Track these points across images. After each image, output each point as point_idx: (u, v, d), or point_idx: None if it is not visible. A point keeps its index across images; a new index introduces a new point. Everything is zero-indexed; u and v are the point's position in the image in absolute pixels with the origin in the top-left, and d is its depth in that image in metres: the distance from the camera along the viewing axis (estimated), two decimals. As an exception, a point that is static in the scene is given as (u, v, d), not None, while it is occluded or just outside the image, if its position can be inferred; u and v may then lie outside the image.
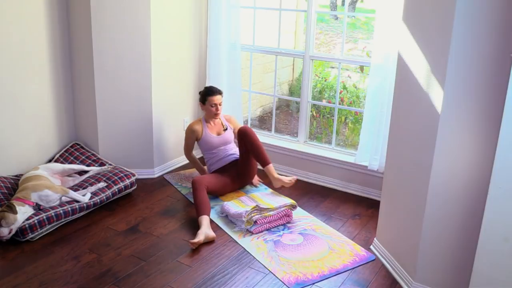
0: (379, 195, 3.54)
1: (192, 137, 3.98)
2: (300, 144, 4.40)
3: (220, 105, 3.90)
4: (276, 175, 3.74)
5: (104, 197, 3.58)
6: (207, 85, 4.54)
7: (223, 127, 4.01)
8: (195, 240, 3.12)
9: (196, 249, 3.12)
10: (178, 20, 4.19)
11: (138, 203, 3.76)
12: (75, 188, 3.64)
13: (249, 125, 4.80)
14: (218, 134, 3.98)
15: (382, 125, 3.71)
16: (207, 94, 3.89)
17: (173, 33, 4.14)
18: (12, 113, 3.65)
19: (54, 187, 3.38)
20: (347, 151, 4.22)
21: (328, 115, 5.97)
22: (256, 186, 4.03)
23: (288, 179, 3.74)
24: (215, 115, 3.91)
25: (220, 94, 3.91)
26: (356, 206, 3.78)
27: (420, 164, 2.60)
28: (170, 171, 4.37)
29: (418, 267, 2.70)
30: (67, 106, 4.09)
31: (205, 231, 3.21)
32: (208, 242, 3.21)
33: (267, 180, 3.95)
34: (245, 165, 3.88)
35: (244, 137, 3.78)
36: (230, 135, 4.03)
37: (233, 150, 4.02)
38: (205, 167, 4.15)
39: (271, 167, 3.76)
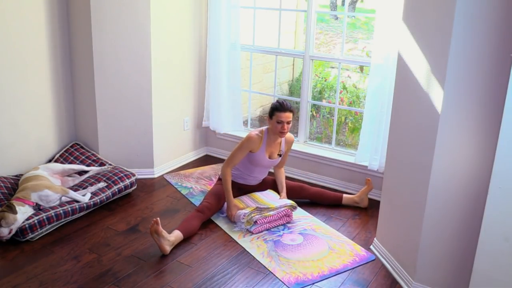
0: (379, 195, 3.54)
1: (248, 147, 3.47)
2: (300, 144, 4.40)
3: (288, 123, 3.44)
4: (356, 196, 3.75)
5: (104, 197, 3.58)
6: (207, 84, 4.55)
7: (279, 152, 3.63)
8: (164, 235, 2.99)
9: (196, 249, 3.13)
10: (178, 20, 4.19)
11: (138, 203, 3.76)
12: (75, 188, 3.64)
13: (249, 126, 4.79)
14: (270, 157, 3.58)
15: (382, 125, 3.71)
16: (276, 109, 3.44)
17: (173, 33, 4.14)
18: (12, 113, 3.65)
19: (54, 187, 3.38)
20: (347, 151, 4.22)
21: (328, 115, 5.97)
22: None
23: (365, 188, 3.75)
24: (280, 133, 3.44)
25: (291, 112, 3.44)
26: (356, 206, 3.78)
27: (420, 164, 2.60)
28: (170, 171, 4.36)
29: (418, 267, 2.70)
30: (67, 106, 4.09)
31: (169, 240, 3.05)
32: (207, 242, 3.21)
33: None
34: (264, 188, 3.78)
35: (302, 193, 3.78)
36: (278, 161, 3.68)
37: (266, 174, 3.80)
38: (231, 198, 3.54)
39: (346, 195, 3.77)
